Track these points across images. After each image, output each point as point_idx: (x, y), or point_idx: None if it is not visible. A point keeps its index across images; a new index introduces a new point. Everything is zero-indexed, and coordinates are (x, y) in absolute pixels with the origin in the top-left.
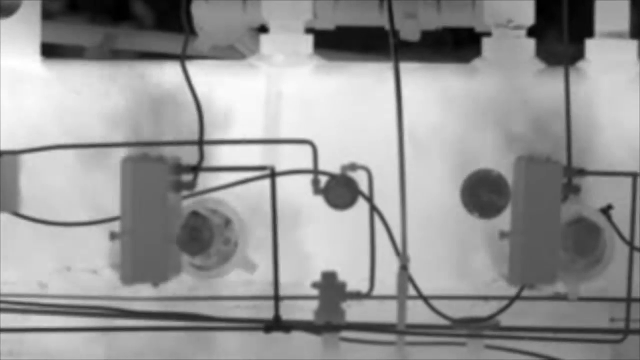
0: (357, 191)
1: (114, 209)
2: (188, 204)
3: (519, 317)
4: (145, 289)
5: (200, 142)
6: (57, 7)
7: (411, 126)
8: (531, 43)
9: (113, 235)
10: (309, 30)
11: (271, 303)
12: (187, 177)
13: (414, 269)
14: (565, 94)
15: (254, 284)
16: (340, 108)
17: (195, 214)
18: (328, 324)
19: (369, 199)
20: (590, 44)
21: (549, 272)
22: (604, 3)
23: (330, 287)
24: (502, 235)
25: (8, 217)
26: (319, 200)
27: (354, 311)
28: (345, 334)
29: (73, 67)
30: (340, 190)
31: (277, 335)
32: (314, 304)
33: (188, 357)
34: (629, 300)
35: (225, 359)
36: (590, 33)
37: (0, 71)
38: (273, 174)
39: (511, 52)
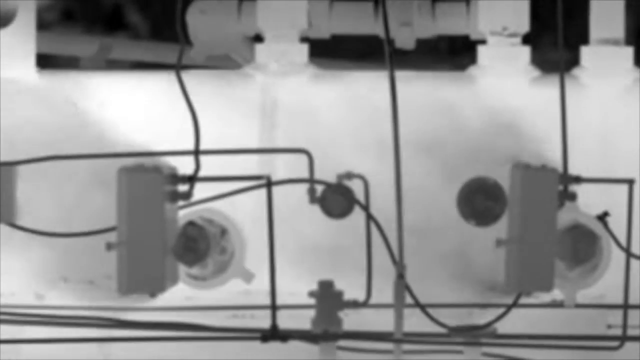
0: (353, 200)
1: (111, 220)
2: (184, 213)
3: (516, 325)
4: (142, 299)
5: (196, 152)
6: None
7: (407, 134)
8: (526, 50)
9: (109, 246)
10: (304, 39)
11: (268, 312)
12: (183, 187)
13: (410, 277)
14: (560, 101)
15: (251, 293)
16: (336, 117)
17: (191, 224)
18: (325, 332)
19: (365, 208)
20: (585, 51)
21: (546, 280)
22: (599, 10)
23: (327, 296)
24: (499, 242)
25: (5, 228)
26: (316, 209)
27: (351, 320)
28: (343, 342)
29: (68, 77)
30: (336, 199)
31: (275, 345)
32: (311, 313)
33: None
34: (625, 307)
35: None
36: (585, 40)
37: None
38: (269, 184)
39: (506, 60)
